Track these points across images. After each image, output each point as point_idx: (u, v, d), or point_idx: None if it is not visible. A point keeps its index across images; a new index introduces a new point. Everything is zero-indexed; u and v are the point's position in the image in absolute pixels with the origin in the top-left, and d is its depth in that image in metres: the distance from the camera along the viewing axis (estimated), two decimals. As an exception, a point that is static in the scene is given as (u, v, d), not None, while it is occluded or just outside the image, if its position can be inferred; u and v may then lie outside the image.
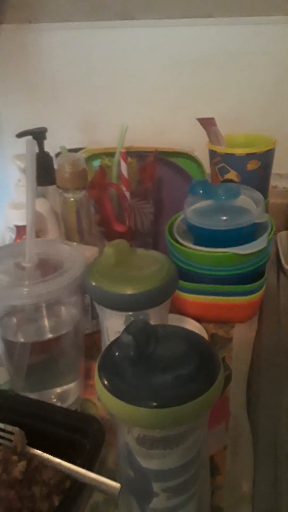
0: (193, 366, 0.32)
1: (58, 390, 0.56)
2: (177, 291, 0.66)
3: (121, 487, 0.38)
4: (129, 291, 0.45)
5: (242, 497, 0.45)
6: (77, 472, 0.41)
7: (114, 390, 0.32)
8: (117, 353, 0.34)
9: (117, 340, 0.35)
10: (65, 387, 0.56)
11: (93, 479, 0.40)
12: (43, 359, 0.54)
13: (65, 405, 0.55)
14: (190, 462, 0.35)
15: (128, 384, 0.32)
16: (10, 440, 0.46)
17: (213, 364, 0.33)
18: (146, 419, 0.31)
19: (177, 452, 0.34)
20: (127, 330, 0.33)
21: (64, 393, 0.56)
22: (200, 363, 0.33)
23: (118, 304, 0.46)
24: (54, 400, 0.55)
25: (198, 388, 0.31)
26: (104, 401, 0.32)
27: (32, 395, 0.52)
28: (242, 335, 0.67)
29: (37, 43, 0.97)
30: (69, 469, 0.42)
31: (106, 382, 0.33)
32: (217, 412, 0.47)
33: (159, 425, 0.31)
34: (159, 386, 0.31)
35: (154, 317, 0.47)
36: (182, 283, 0.66)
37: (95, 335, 0.64)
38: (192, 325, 0.65)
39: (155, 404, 0.30)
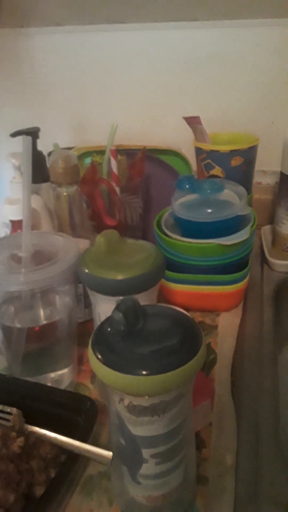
0: (177, 339, 0.35)
1: (53, 375, 0.58)
2: (165, 281, 0.69)
3: (113, 455, 0.42)
4: (119, 277, 0.47)
5: (226, 469, 0.47)
6: (72, 445, 0.44)
7: (106, 361, 0.35)
8: (109, 329, 0.37)
9: (109, 318, 0.38)
10: (59, 372, 0.58)
11: (87, 450, 0.43)
12: (38, 346, 0.57)
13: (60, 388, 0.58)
14: (176, 429, 0.38)
15: (119, 356, 0.35)
16: (8, 420, 0.48)
17: (195, 337, 0.36)
18: (136, 386, 0.34)
19: (164, 419, 0.37)
20: (117, 308, 0.36)
21: (58, 377, 0.58)
22: (184, 337, 0.36)
23: (109, 289, 0.48)
24: (50, 384, 0.57)
25: (182, 358, 0.34)
26: (97, 372, 0.35)
27: (29, 380, 0.54)
28: (227, 323, 0.69)
29: (29, 47, 0.98)
30: (64, 442, 0.45)
31: (99, 355, 0.35)
32: (202, 388, 0.50)
33: (147, 392, 0.34)
34: (147, 357, 0.34)
35: (142, 302, 0.49)
36: (169, 273, 0.69)
37: (87, 324, 0.67)
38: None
39: (144, 372, 0.33)
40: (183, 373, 0.34)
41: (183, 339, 0.36)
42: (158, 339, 0.36)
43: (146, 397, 0.35)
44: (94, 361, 0.36)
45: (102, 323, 0.38)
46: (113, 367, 0.34)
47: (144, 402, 0.36)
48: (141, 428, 0.37)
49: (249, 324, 0.69)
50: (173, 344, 0.35)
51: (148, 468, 0.39)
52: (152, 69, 0.96)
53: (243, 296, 0.73)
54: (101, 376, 0.35)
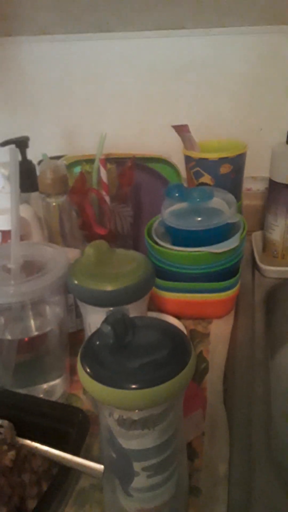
0: (167, 352, 0.35)
1: (45, 386, 0.58)
2: (156, 290, 0.69)
3: (105, 468, 0.42)
4: (108, 288, 0.47)
5: (219, 479, 0.47)
6: (64, 458, 0.44)
7: (95, 375, 0.34)
8: (97, 342, 0.37)
9: (97, 331, 0.38)
10: (51, 383, 0.58)
11: (78, 463, 0.43)
12: (30, 357, 0.56)
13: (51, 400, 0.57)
14: (167, 442, 0.38)
15: (108, 370, 0.34)
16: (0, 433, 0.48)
17: (185, 349, 0.36)
18: (125, 400, 0.33)
19: (154, 432, 0.37)
20: (106, 321, 0.36)
21: (50, 388, 0.58)
22: (173, 349, 0.36)
23: (98, 300, 0.48)
24: (41, 395, 0.57)
25: (171, 371, 0.34)
26: (86, 386, 0.35)
27: (20, 391, 0.54)
28: (219, 330, 0.69)
29: (17, 55, 0.98)
30: (56, 455, 0.45)
31: (88, 369, 0.35)
32: (193, 399, 0.50)
33: (137, 406, 0.34)
34: (136, 370, 0.34)
35: (133, 312, 0.49)
36: (161, 282, 0.69)
37: (79, 334, 0.67)
38: (172, 322, 0.68)
39: (133, 386, 0.33)
40: (172, 386, 0.34)
41: (172, 351, 0.36)
42: (147, 352, 0.36)
43: (136, 411, 0.35)
44: (83, 375, 0.35)
45: (91, 336, 0.38)
46: (102, 381, 0.34)
47: (134, 415, 0.35)
48: (131, 442, 0.37)
49: (241, 331, 0.69)
50: (162, 356, 0.35)
51: (140, 481, 0.39)
52: (141, 77, 0.96)
53: (234, 303, 0.73)
54: (90, 391, 0.35)
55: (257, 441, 0.51)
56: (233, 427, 0.53)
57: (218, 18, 0.88)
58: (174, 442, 0.39)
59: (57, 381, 0.59)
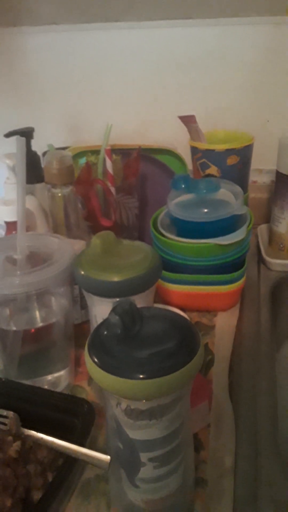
0: (175, 342, 0.35)
1: (50, 377, 0.58)
2: (162, 282, 0.69)
3: (111, 459, 0.41)
4: (115, 279, 0.47)
5: (225, 471, 0.47)
6: (69, 449, 0.44)
7: (103, 365, 0.34)
8: (105, 332, 0.36)
9: (105, 321, 0.37)
10: (56, 375, 0.58)
11: (84, 454, 0.43)
12: (35, 348, 0.56)
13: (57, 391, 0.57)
14: (174, 432, 0.38)
15: (116, 360, 0.34)
16: (5, 424, 0.48)
17: (193, 340, 0.36)
18: (133, 390, 0.33)
19: (161, 423, 0.37)
20: (114, 310, 0.36)
21: (55, 380, 0.58)
22: (181, 339, 0.35)
23: (105, 291, 0.48)
24: (46, 386, 0.57)
25: (179, 361, 0.34)
26: (94, 376, 0.35)
27: (25, 382, 0.54)
28: (224, 323, 0.69)
29: (22, 46, 0.98)
30: (61, 446, 0.45)
31: (95, 359, 0.35)
32: (200, 390, 0.50)
33: (144, 396, 0.34)
34: (144, 360, 0.34)
35: (139, 303, 0.49)
36: (166, 273, 0.68)
37: (84, 325, 0.67)
38: (177, 314, 0.68)
39: (141, 376, 0.33)
40: (181, 376, 0.34)
41: (180, 342, 0.35)
42: (155, 342, 0.35)
43: (144, 401, 0.35)
44: (90, 365, 0.35)
45: (99, 326, 0.38)
46: (110, 371, 0.34)
47: (142, 405, 0.35)
48: (138, 432, 0.37)
49: (246, 324, 0.69)
50: (170, 347, 0.35)
51: (146, 471, 0.39)
52: (147, 67, 0.95)
53: (240, 295, 0.73)
54: (98, 380, 0.35)
55: (263, 433, 0.51)
56: (239, 419, 0.53)
57: (225, 8, 0.88)
58: (181, 433, 0.39)
59: (62, 372, 0.59)
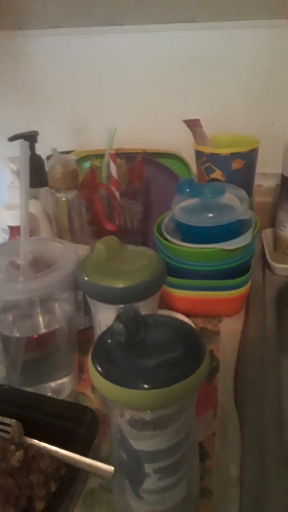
0: (180, 351, 0.34)
1: (53, 384, 0.57)
2: (166, 287, 0.68)
3: (115, 470, 0.41)
4: (119, 285, 0.46)
5: (231, 480, 0.46)
6: (73, 458, 0.43)
7: (107, 374, 0.34)
8: (109, 341, 0.36)
9: (109, 329, 0.37)
10: (59, 381, 0.58)
11: (88, 464, 0.42)
12: (38, 354, 0.56)
13: (60, 398, 0.57)
14: (179, 443, 0.37)
15: (120, 369, 0.34)
16: (7, 432, 0.47)
17: (198, 348, 0.35)
18: (137, 400, 0.33)
19: (166, 434, 0.36)
20: (118, 318, 0.35)
21: (59, 387, 0.57)
22: (186, 348, 0.35)
23: (109, 297, 0.47)
24: (50, 393, 0.56)
25: (184, 371, 0.33)
26: (97, 385, 0.34)
27: (28, 390, 0.54)
28: (230, 328, 0.68)
29: (27, 49, 0.98)
30: (64, 455, 0.44)
31: (99, 368, 0.34)
32: (205, 398, 0.49)
33: (149, 406, 0.33)
34: (148, 369, 0.33)
35: (144, 309, 0.48)
36: (171, 279, 0.68)
37: (88, 331, 0.66)
38: (181, 320, 0.67)
39: (145, 386, 0.32)
40: (186, 386, 0.33)
41: (185, 350, 0.35)
42: (160, 351, 0.35)
43: (148, 411, 0.34)
44: (94, 374, 0.34)
45: (103, 334, 0.37)
46: (114, 381, 0.33)
47: (146, 416, 0.34)
48: (143, 443, 0.36)
49: (251, 329, 0.69)
50: (175, 355, 0.34)
51: (150, 483, 0.38)
52: (151, 71, 0.95)
53: (245, 301, 0.72)
54: (102, 390, 0.34)
55: (269, 442, 0.50)
56: (245, 427, 0.52)
57: (230, 11, 0.87)
58: (186, 443, 0.38)
59: (66, 379, 0.58)
